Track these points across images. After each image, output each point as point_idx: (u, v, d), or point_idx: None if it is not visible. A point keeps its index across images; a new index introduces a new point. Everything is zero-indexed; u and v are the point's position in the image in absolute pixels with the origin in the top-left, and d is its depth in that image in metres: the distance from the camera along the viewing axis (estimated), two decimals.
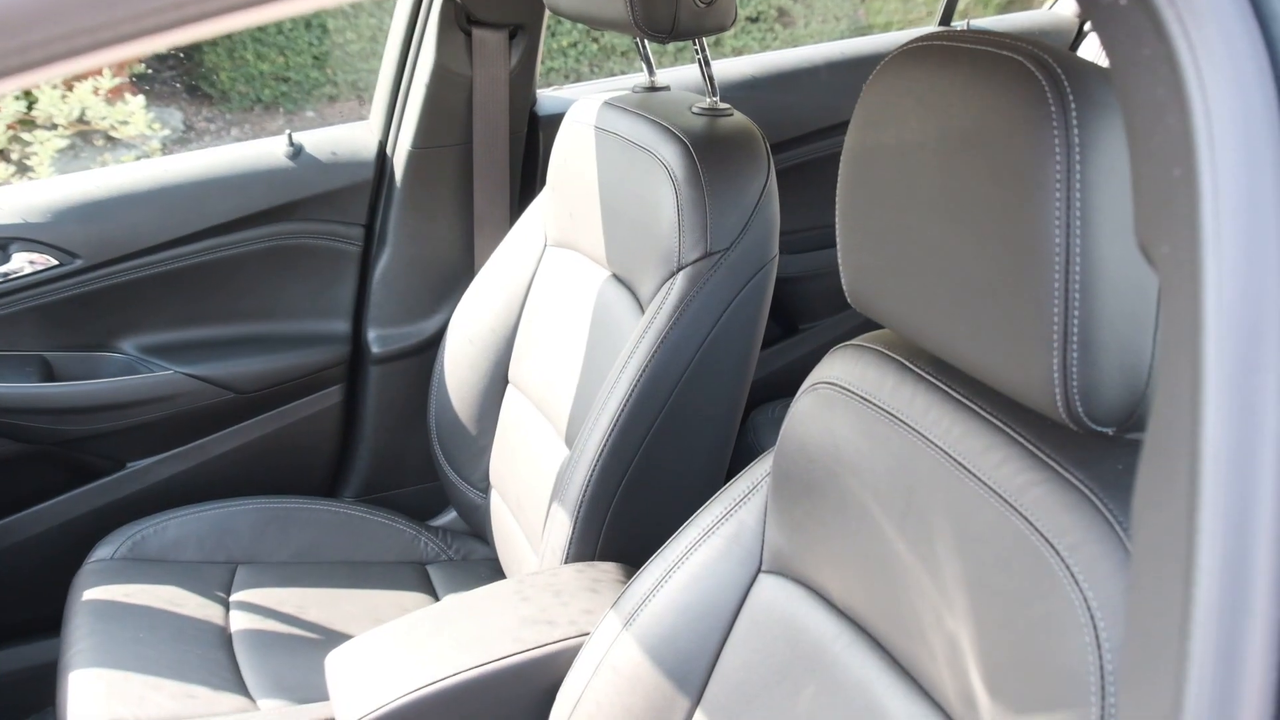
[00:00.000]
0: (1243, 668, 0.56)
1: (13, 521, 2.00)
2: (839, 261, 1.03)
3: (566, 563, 1.50)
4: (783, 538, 1.14)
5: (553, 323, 1.80)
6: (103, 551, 1.86)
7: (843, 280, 1.03)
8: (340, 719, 1.26)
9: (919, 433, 0.97)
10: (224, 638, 1.71)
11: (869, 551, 1.01)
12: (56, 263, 1.95)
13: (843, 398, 1.06)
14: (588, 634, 1.28)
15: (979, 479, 0.90)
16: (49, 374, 1.99)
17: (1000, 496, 0.87)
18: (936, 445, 0.95)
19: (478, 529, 2.01)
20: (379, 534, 2.01)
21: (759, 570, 1.16)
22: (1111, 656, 0.78)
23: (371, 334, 2.17)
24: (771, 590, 1.14)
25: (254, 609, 1.77)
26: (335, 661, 1.33)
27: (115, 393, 1.98)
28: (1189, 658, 0.57)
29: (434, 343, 2.13)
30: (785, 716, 1.07)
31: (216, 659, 1.65)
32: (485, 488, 1.95)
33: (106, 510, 2.01)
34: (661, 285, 1.55)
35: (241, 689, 1.60)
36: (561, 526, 1.52)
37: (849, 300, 1.03)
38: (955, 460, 0.92)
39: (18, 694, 2.03)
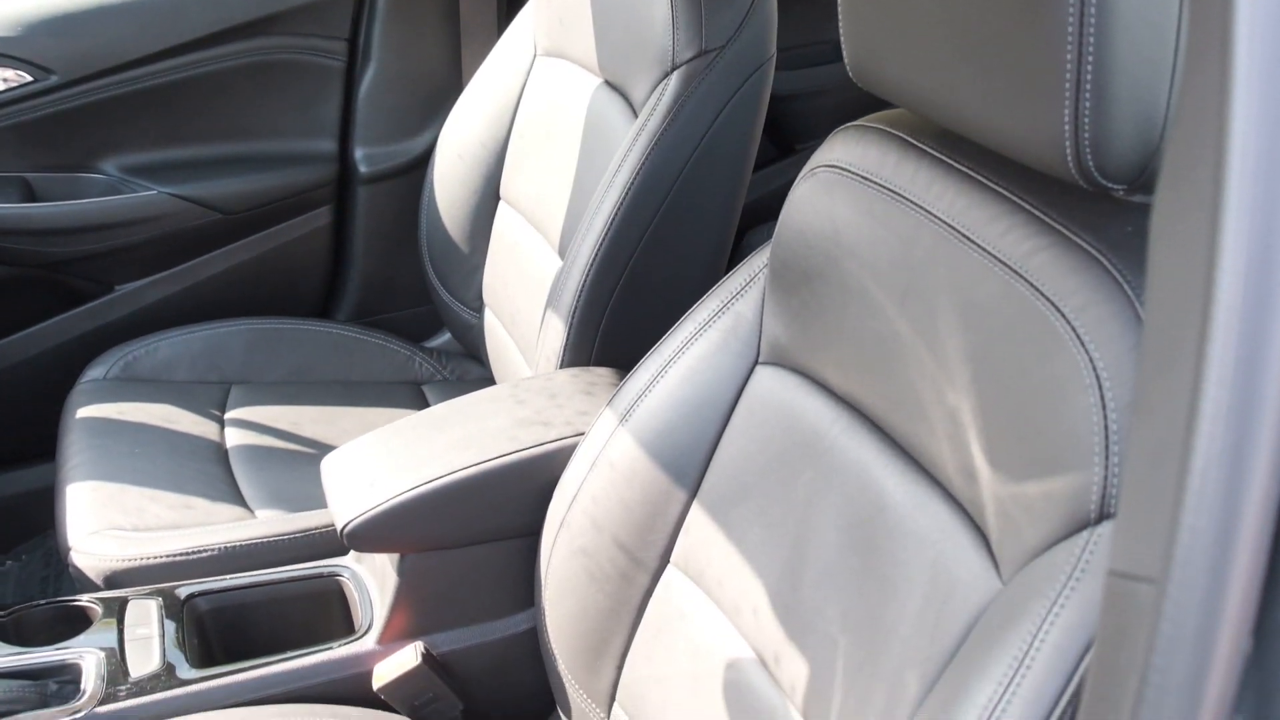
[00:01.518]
0: (1258, 424, 0.55)
1: (2, 346, 1.98)
2: (841, 33, 0.98)
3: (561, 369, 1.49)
4: (780, 328, 1.12)
5: (544, 134, 1.76)
6: (95, 372, 1.84)
7: (845, 54, 0.99)
8: (337, 520, 1.26)
9: (922, 208, 0.94)
10: (220, 453, 1.71)
11: (869, 334, 0.99)
12: (31, 79, 1.89)
13: (843, 180, 1.03)
14: (583, 434, 1.27)
15: (983, 249, 0.87)
16: (30, 195, 1.95)
17: (1005, 264, 0.85)
18: (940, 219, 0.92)
19: (472, 349, 1.99)
20: (373, 355, 1.99)
21: (756, 362, 1.15)
22: (1116, 416, 0.76)
23: (359, 153, 2.12)
24: (768, 381, 1.13)
25: (249, 426, 1.77)
26: (331, 464, 1.33)
27: (99, 213, 1.95)
28: (1199, 414, 0.55)
29: (423, 161, 2.08)
30: (782, 503, 1.07)
31: (213, 473, 1.65)
32: (479, 307, 1.92)
33: (97, 334, 1.99)
34: (655, 87, 1.50)
35: (239, 500, 1.60)
36: (555, 334, 1.50)
37: (852, 75, 1.00)
38: (959, 232, 0.90)
39: (16, 519, 2.04)
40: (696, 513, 1.15)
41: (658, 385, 1.19)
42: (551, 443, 1.30)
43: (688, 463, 1.16)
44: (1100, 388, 0.77)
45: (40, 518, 1.92)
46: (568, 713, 1.30)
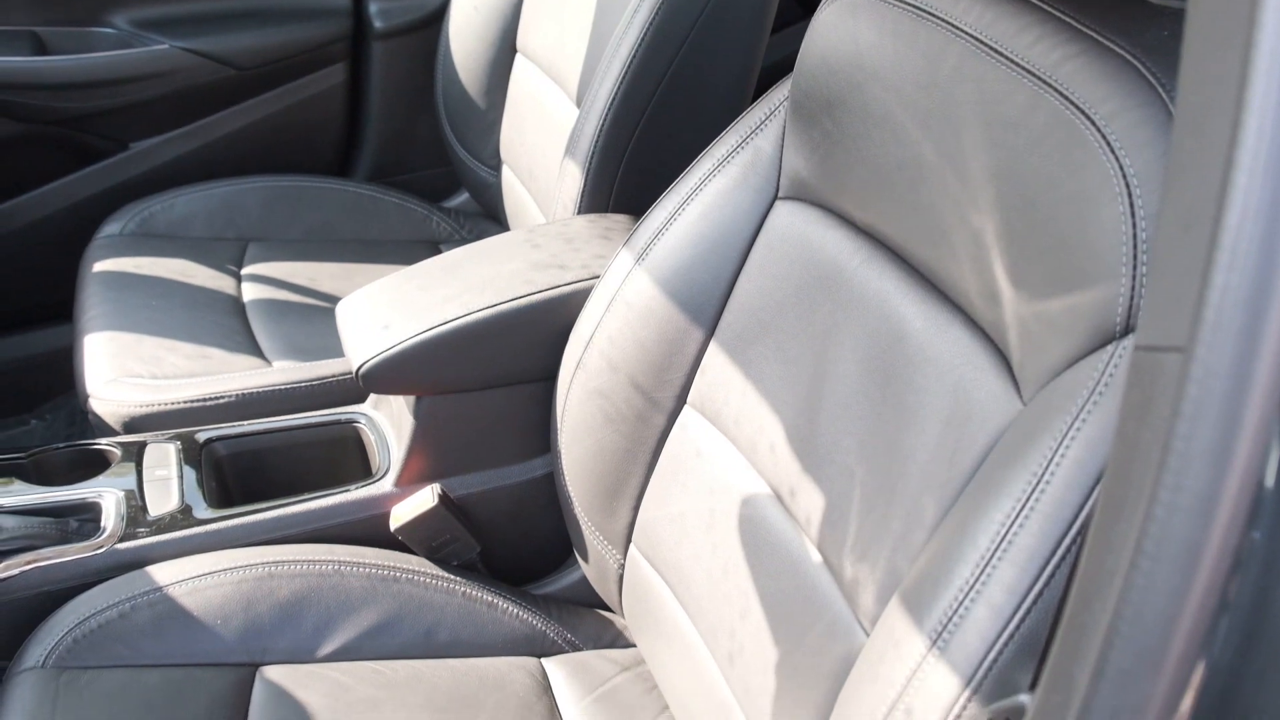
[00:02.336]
0: None
1: (19, 203, 1.97)
2: None
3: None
4: (801, 161, 1.09)
5: None
6: (111, 228, 1.83)
7: None
8: (352, 362, 1.26)
9: (948, 23, 0.90)
10: (237, 306, 1.70)
11: (891, 161, 0.96)
12: None
13: (866, 1, 0.99)
14: (599, 277, 1.25)
15: (1012, 61, 0.84)
16: (40, 50, 1.92)
17: (1034, 75, 0.82)
18: (966, 33, 0.88)
19: (490, 208, 1.97)
20: (390, 214, 1.97)
21: (775, 197, 1.12)
22: (1146, 225, 0.74)
23: (373, 7, 2.07)
24: (788, 215, 1.10)
25: (266, 280, 1.76)
26: (345, 308, 1.31)
27: (111, 67, 1.91)
28: (1235, 167, 0.52)
29: (438, 16, 2.03)
30: (800, 338, 1.05)
31: (230, 325, 1.64)
32: (496, 164, 1.89)
33: (113, 191, 1.98)
34: None
35: (256, 351, 1.59)
36: (572, 181, 1.47)
37: None
38: (986, 46, 0.86)
39: (40, 378, 2.05)
40: (713, 352, 1.14)
41: (675, 223, 1.17)
42: (567, 285, 1.28)
43: (705, 301, 1.14)
44: (1130, 196, 0.74)
45: (64, 377, 1.92)
46: (584, 556, 1.30)
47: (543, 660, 1.27)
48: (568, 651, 1.29)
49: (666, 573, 1.18)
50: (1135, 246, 0.74)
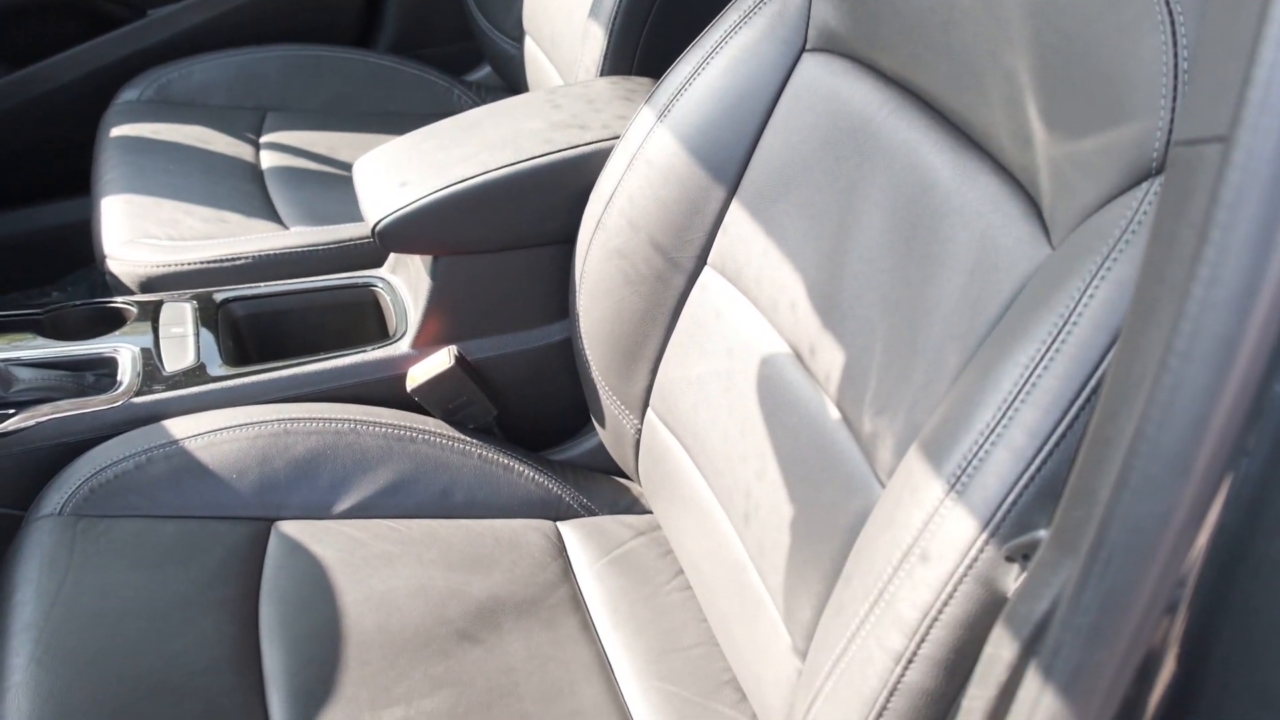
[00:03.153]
0: None
1: (36, 70, 1.94)
2: None
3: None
4: (830, 10, 1.05)
5: None
6: (129, 94, 1.81)
7: None
8: (368, 219, 1.24)
9: None
10: (255, 173, 1.68)
11: (923, 3, 0.93)
12: None
13: None
14: (620, 138, 1.22)
15: None
16: None
17: None
18: None
19: (512, 82, 1.93)
20: (412, 86, 1.94)
21: (803, 49, 1.09)
22: (1188, 54, 0.71)
23: None
24: (816, 68, 1.07)
25: (285, 149, 1.74)
26: (363, 165, 1.29)
27: None
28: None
29: None
30: (825, 192, 1.02)
31: (248, 190, 1.62)
32: (519, 35, 1.85)
33: (131, 59, 1.95)
34: None
35: (274, 216, 1.58)
36: (595, 43, 1.44)
37: None
38: None
39: (61, 250, 2.04)
40: (735, 210, 1.11)
41: (698, 79, 1.13)
42: (587, 145, 1.26)
43: (728, 158, 1.12)
44: (1173, 25, 0.71)
45: (85, 249, 1.92)
46: (601, 421, 1.29)
47: (558, 523, 1.27)
48: (583, 516, 1.29)
49: (683, 435, 1.17)
50: (1176, 78, 0.71)
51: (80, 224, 1.99)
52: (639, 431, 1.24)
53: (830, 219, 1.02)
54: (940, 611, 0.75)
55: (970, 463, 0.76)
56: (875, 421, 0.92)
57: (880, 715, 0.79)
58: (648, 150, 1.16)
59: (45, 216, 2.03)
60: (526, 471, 1.28)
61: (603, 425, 1.29)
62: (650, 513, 1.30)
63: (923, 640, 0.76)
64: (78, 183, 1.95)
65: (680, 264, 1.15)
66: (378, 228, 1.22)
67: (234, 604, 1.09)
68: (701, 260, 1.15)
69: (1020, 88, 0.83)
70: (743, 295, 1.10)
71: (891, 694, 0.78)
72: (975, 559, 0.74)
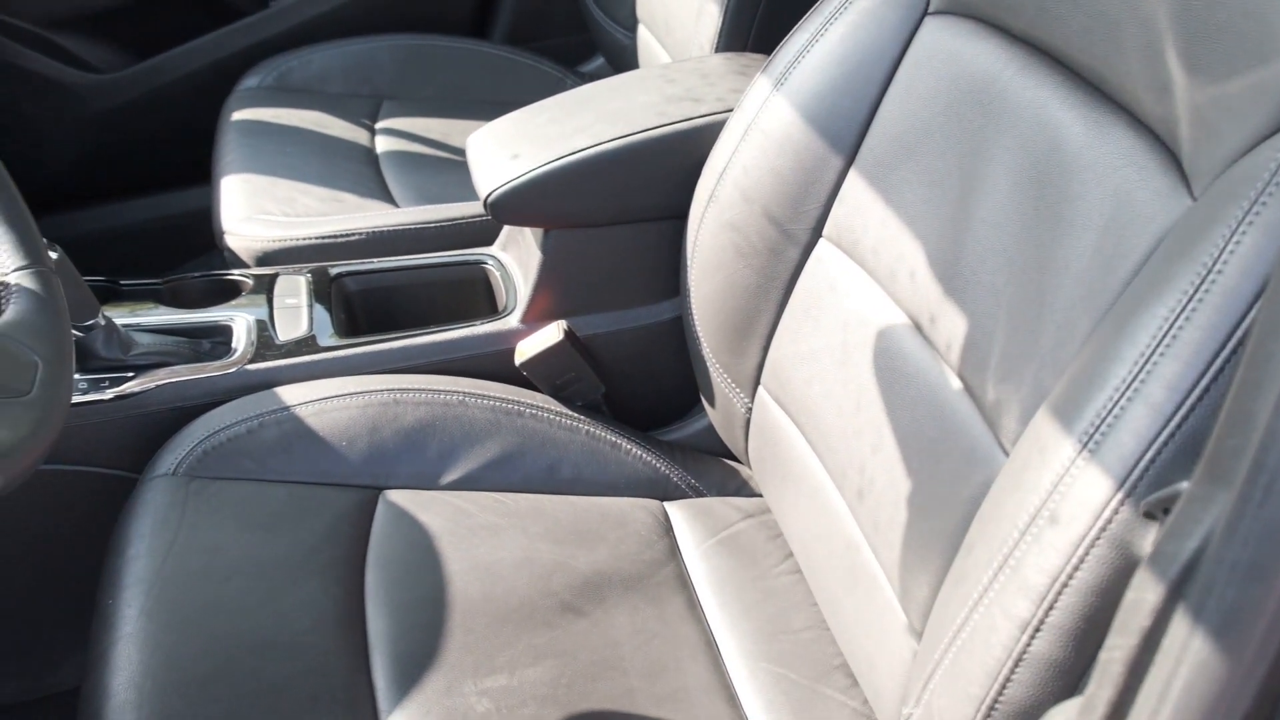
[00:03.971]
0: None
1: (162, 60, 1.99)
2: None
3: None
4: None
5: None
6: (250, 81, 1.84)
7: None
8: (480, 190, 1.23)
9: None
10: (370, 156, 1.70)
11: None
12: None
13: None
14: (734, 111, 1.20)
15: None
16: None
17: None
18: None
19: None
20: (525, 76, 1.94)
21: (925, 12, 1.05)
22: None
23: None
24: (938, 31, 1.03)
25: (399, 134, 1.75)
26: (476, 139, 1.29)
27: None
28: None
29: None
30: (948, 157, 0.99)
31: (363, 172, 1.64)
32: (632, 25, 1.84)
33: (253, 50, 1.98)
34: None
35: (387, 197, 1.59)
36: (709, 19, 1.42)
37: None
38: None
39: (182, 238, 2.08)
40: (853, 179, 1.08)
41: (816, 45, 1.11)
42: (701, 118, 1.24)
43: (845, 126, 1.09)
44: None
45: (205, 236, 1.96)
46: (710, 400, 1.27)
47: (665, 503, 1.25)
48: (691, 497, 1.27)
49: (795, 413, 1.14)
50: None
51: (201, 211, 2.03)
52: (749, 410, 1.22)
53: (952, 184, 0.98)
54: (1070, 577, 0.72)
55: (1104, 420, 0.72)
56: (999, 389, 0.88)
57: (1004, 687, 0.75)
58: (763, 120, 1.13)
59: (167, 204, 2.08)
60: (634, 450, 1.26)
61: (712, 405, 1.27)
62: (759, 496, 1.28)
63: (1051, 607, 0.72)
64: (200, 171, 1.99)
65: (794, 236, 1.13)
66: (490, 199, 1.22)
67: (340, 568, 1.08)
68: (816, 232, 1.12)
69: (1159, 34, 0.79)
70: (859, 266, 1.07)
71: (1017, 664, 0.74)
72: (1109, 521, 0.70)
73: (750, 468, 1.27)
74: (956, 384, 0.94)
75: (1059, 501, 0.73)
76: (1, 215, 0.92)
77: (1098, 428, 0.72)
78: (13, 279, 0.90)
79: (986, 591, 0.77)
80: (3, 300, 0.90)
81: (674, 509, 1.24)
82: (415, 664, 1.01)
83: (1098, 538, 0.70)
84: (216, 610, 1.01)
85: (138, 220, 2.06)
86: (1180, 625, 0.50)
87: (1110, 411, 0.72)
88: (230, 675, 0.96)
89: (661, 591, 1.13)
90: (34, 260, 0.91)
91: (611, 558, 1.15)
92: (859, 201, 1.07)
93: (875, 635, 0.99)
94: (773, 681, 1.07)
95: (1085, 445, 0.72)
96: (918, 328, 0.99)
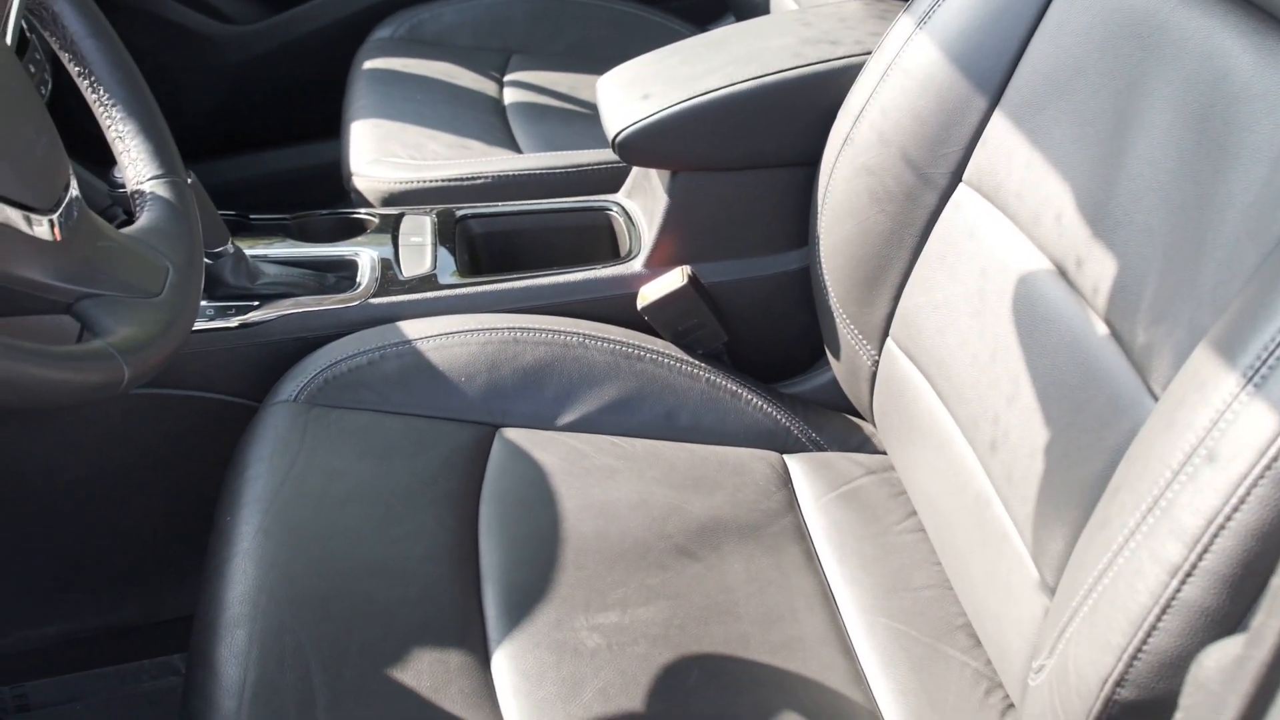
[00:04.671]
0: None
1: (295, 14, 2.02)
2: None
3: None
4: None
5: None
6: (382, 32, 1.86)
7: None
8: (609, 130, 1.22)
9: None
10: (498, 107, 1.69)
11: None
12: None
13: None
14: (873, 54, 1.16)
15: None
16: None
17: None
18: None
19: None
20: (654, 32, 1.93)
21: None
22: None
23: None
24: None
25: (527, 86, 1.75)
26: (606, 80, 1.28)
27: None
28: None
29: None
30: (1100, 94, 0.94)
31: (490, 122, 1.64)
32: None
33: (384, 3, 1.99)
34: None
35: (514, 146, 1.59)
36: None
37: None
38: None
39: (310, 190, 2.10)
40: (998, 121, 1.04)
41: None
42: (838, 60, 1.20)
43: (992, 66, 1.04)
44: None
45: (333, 188, 1.97)
46: (835, 353, 1.23)
47: (784, 456, 1.22)
48: (811, 450, 1.23)
49: (925, 364, 1.09)
50: None
51: (331, 164, 2.05)
52: (876, 364, 1.18)
53: (1105, 122, 0.93)
54: (1229, 519, 0.67)
55: (1271, 354, 0.67)
56: (1151, 331, 0.83)
57: (1149, 635, 0.71)
58: (904, 60, 1.09)
59: (298, 157, 2.10)
60: (755, 400, 1.23)
61: (837, 358, 1.23)
62: (883, 454, 1.24)
63: (1205, 551, 0.68)
64: (331, 125, 2.01)
65: (932, 180, 1.08)
66: (618, 139, 1.20)
67: (455, 500, 1.08)
68: (956, 176, 1.07)
69: None
70: (1000, 212, 1.03)
71: (1164, 611, 0.70)
72: (1274, 459, 0.65)
73: (874, 424, 1.24)
74: (1102, 329, 0.89)
75: (1218, 439, 0.68)
76: (139, 127, 0.93)
77: (1264, 361, 0.67)
78: (148, 187, 0.91)
79: (1133, 535, 0.72)
80: (138, 207, 0.91)
81: (793, 461, 1.21)
82: (527, 596, 0.99)
83: (1260, 477, 0.65)
84: (332, 533, 1.01)
85: (268, 172, 2.09)
86: None
87: (1278, 344, 0.67)
88: (343, 595, 0.96)
89: (778, 541, 1.10)
90: (169, 170, 0.92)
91: (728, 505, 1.12)
92: (1003, 144, 1.03)
93: (1003, 592, 0.95)
94: (891, 637, 1.03)
95: (1249, 380, 0.67)
96: (1062, 273, 0.95)
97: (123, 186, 0.94)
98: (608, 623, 0.98)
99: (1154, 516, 0.71)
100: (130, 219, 0.91)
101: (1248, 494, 0.66)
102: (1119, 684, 0.72)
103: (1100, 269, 0.90)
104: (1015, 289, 0.99)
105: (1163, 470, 0.71)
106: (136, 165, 0.91)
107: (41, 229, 0.76)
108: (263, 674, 0.88)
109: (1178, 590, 0.69)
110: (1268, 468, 0.65)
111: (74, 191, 0.81)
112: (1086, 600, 0.76)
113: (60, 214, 0.77)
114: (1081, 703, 0.75)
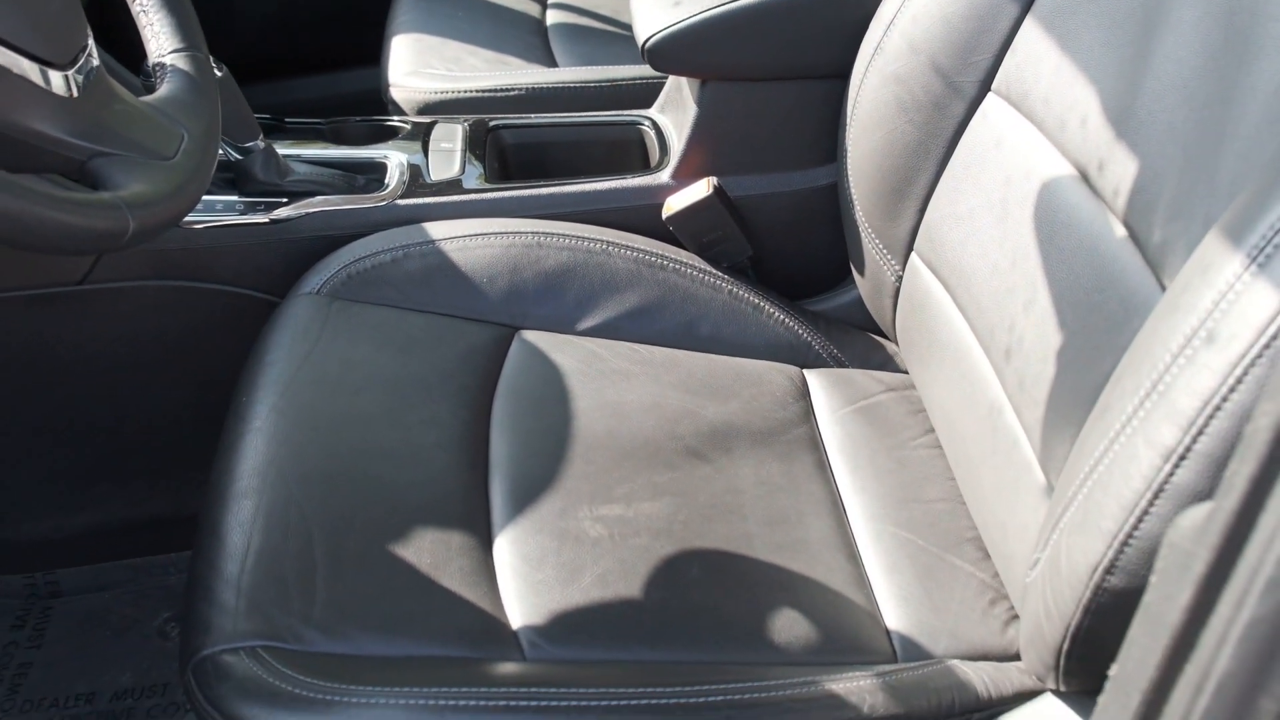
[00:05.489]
0: None
1: None
2: None
3: None
4: None
5: None
6: None
7: None
8: (639, 35, 1.21)
9: None
10: (539, 27, 1.69)
11: None
12: None
13: None
14: None
15: None
16: None
17: None
18: None
19: None
20: None
21: None
22: None
23: None
24: None
25: (569, 8, 1.74)
26: None
27: None
28: None
29: None
30: None
31: (530, 41, 1.63)
32: None
33: None
34: None
35: (551, 64, 1.58)
36: None
37: None
38: None
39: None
40: (1029, 27, 1.02)
41: None
42: None
43: None
44: None
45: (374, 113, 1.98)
46: (860, 269, 1.22)
47: (804, 370, 1.21)
48: (832, 366, 1.23)
49: (947, 276, 1.08)
50: None
51: (372, 90, 2.06)
52: (899, 279, 1.17)
53: (1133, 23, 0.91)
54: (1224, 400, 0.65)
55: (1277, 231, 0.65)
56: (1167, 229, 0.82)
57: (1140, 520, 0.70)
58: None
59: (334, 85, 2.10)
60: (777, 314, 1.22)
61: (862, 275, 1.22)
62: (905, 373, 1.23)
63: (1200, 433, 0.67)
64: (370, 53, 2.02)
65: (961, 89, 1.07)
66: (647, 44, 1.20)
67: (470, 394, 1.08)
68: (985, 85, 1.06)
69: None
70: (1026, 120, 1.01)
71: (1156, 495, 0.69)
72: (1273, 339, 0.64)
73: (896, 343, 1.23)
74: (1120, 231, 0.87)
75: (1219, 320, 0.67)
76: (162, 1, 0.93)
77: (1269, 240, 0.66)
78: (169, 60, 0.92)
79: (1129, 421, 0.71)
80: (158, 80, 0.92)
81: (813, 376, 1.20)
82: (533, 487, 1.00)
83: (1259, 356, 0.64)
84: (345, 417, 1.02)
85: (310, 98, 2.09)
86: None
87: None
88: (350, 474, 0.97)
89: (791, 449, 1.10)
90: (190, 45, 0.93)
91: (742, 412, 1.12)
92: (1033, 51, 1.01)
93: (1010, 499, 0.94)
94: (898, 545, 1.02)
95: (1253, 260, 0.66)
96: (1084, 177, 0.93)
97: (151, 75, 0.95)
98: (611, 514, 0.98)
99: (1151, 401, 0.70)
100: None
101: (1244, 374, 0.65)
102: (1109, 571, 0.72)
103: (1122, 170, 0.88)
104: (1038, 196, 0.97)
105: (1162, 354, 0.70)
106: (159, 39, 0.92)
107: (57, 83, 0.77)
108: (266, 542, 0.89)
109: (1170, 474, 0.68)
110: (1266, 347, 0.64)
111: (94, 57, 0.82)
112: (1081, 489, 0.75)
113: (76, 70, 0.78)
114: (1071, 592, 0.75)
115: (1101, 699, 0.63)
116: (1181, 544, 0.61)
